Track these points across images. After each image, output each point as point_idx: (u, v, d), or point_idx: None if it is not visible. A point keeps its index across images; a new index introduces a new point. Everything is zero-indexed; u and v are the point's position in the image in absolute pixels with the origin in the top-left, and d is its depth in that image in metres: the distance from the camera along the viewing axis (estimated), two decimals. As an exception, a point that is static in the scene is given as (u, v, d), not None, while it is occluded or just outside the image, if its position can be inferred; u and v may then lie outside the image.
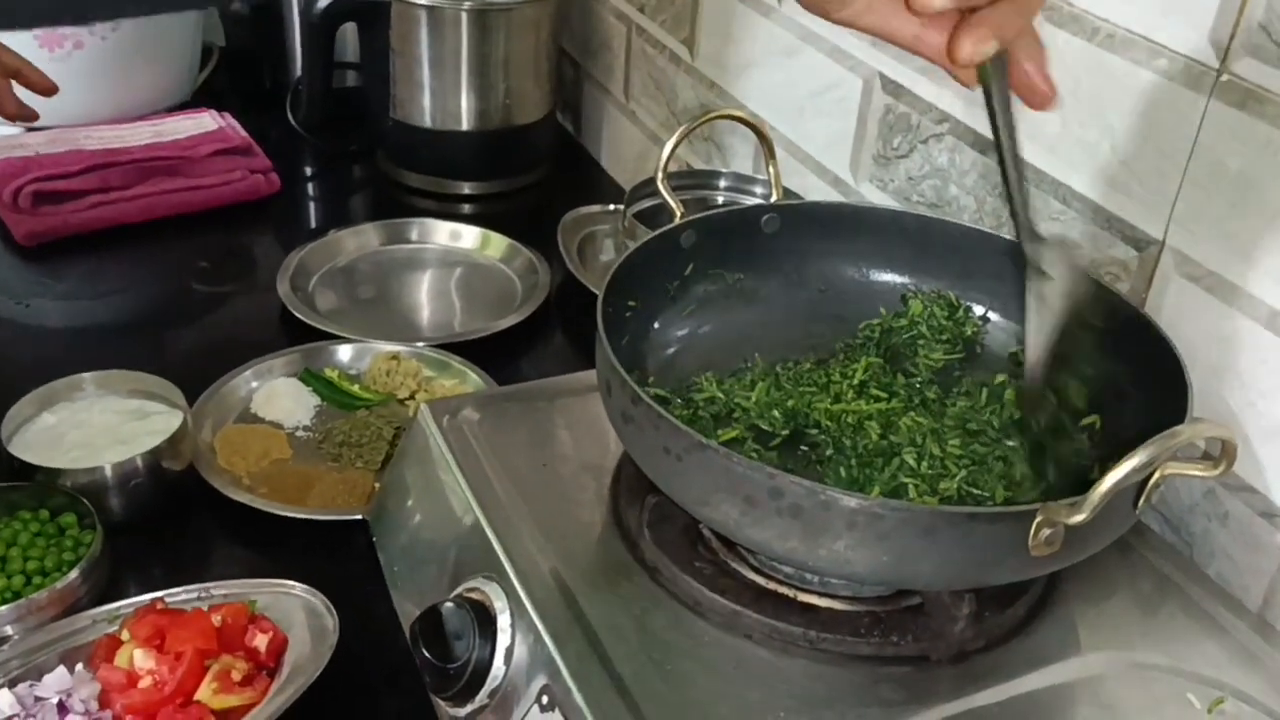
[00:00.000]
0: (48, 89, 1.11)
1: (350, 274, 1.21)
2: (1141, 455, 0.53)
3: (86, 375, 0.93)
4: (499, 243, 1.25)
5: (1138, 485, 0.57)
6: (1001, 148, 0.58)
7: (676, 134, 0.82)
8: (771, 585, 0.66)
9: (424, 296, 1.21)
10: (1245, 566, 0.73)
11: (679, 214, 0.79)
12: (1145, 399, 0.70)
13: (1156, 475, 0.57)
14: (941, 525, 0.56)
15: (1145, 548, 0.72)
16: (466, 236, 1.27)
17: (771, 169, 0.89)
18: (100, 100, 1.39)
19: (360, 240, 1.25)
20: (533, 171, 1.43)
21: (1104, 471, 0.69)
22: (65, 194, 1.23)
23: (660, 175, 0.82)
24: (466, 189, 1.39)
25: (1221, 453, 0.56)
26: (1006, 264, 0.78)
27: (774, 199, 0.88)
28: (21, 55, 1.08)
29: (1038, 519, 0.54)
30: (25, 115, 1.11)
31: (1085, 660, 0.65)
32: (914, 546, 0.56)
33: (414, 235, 1.27)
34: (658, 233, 0.78)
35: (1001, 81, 0.55)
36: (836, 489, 0.55)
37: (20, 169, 1.24)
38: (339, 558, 0.85)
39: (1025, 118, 0.81)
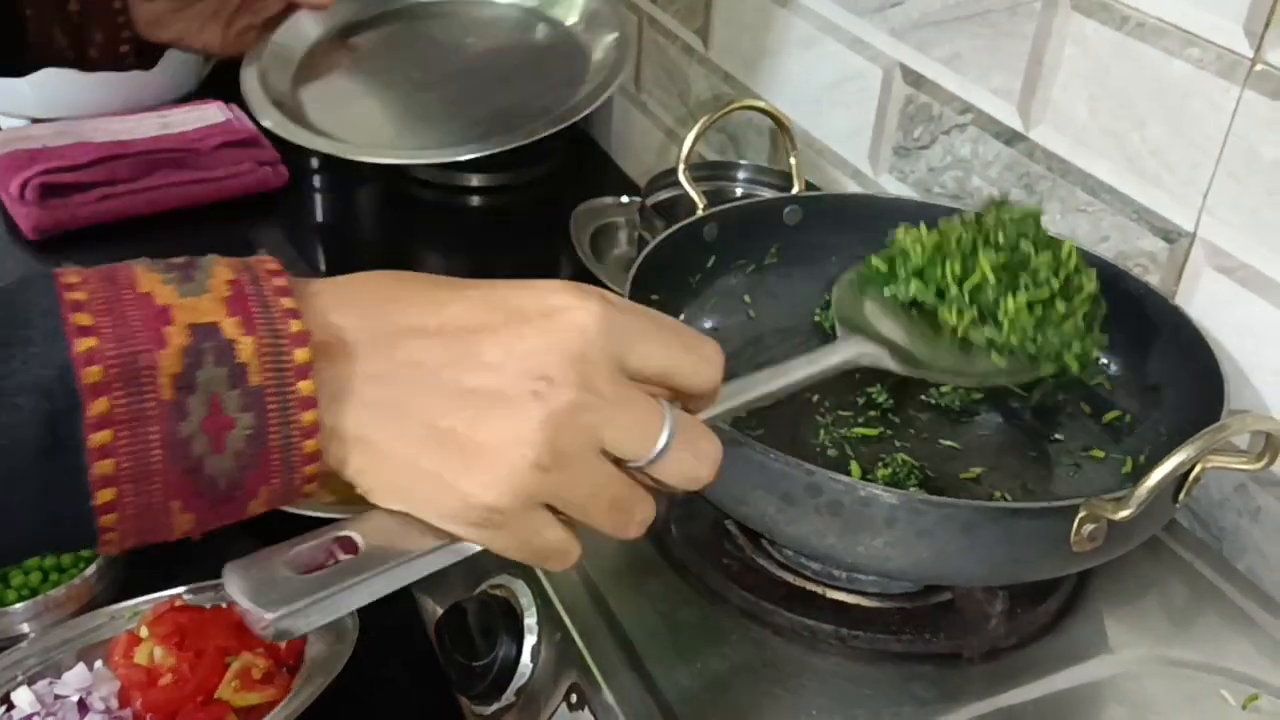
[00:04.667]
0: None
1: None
2: (1190, 449, 0.52)
3: (98, 369, 0.91)
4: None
5: (1179, 479, 0.57)
6: None
7: (699, 125, 0.81)
8: (799, 582, 0.65)
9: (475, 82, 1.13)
10: (1277, 562, 0.72)
11: (701, 206, 0.78)
12: (1178, 393, 0.69)
13: (1198, 469, 0.56)
14: (982, 521, 0.55)
15: (1175, 543, 0.71)
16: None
17: (793, 160, 0.88)
18: (107, 92, 1.37)
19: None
20: (542, 164, 1.41)
21: (1136, 466, 0.70)
22: (72, 186, 1.22)
23: (682, 166, 0.81)
24: (475, 181, 1.37)
25: (1266, 446, 0.55)
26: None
27: (795, 191, 0.87)
28: None
29: (1081, 514, 0.54)
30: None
31: (1117, 657, 0.64)
32: (954, 543, 0.55)
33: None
34: (680, 225, 0.77)
35: None
36: (876, 485, 0.54)
37: (27, 161, 1.23)
38: (355, 554, 0.84)
39: (1052, 104, 0.81)
